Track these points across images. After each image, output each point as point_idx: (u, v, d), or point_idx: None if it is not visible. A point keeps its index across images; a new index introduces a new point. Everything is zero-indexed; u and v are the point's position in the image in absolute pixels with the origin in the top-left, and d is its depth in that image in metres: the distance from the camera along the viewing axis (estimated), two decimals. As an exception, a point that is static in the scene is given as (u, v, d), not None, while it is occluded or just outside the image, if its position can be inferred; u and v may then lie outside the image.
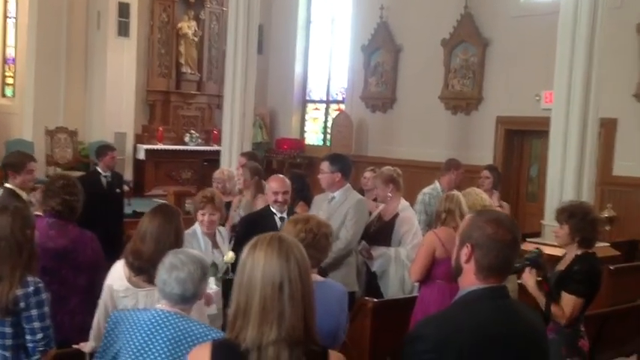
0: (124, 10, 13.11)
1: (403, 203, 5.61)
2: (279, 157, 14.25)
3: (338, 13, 14.31)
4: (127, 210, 9.41)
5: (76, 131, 13.17)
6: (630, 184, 9.32)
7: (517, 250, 2.26)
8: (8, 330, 3.02)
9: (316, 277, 2.98)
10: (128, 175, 12.92)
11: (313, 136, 15.01)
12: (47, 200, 3.99)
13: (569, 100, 7.05)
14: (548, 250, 5.87)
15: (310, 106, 15.10)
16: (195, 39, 14.25)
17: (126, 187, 9.88)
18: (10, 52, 14.82)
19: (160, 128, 13.85)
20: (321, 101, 14.92)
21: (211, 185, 6.79)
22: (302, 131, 15.04)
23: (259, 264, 2.00)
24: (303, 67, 14.88)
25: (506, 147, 11.07)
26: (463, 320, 2.11)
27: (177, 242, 3.28)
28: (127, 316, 2.73)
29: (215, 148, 13.09)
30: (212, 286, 3.97)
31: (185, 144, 14.14)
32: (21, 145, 11.09)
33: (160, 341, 2.59)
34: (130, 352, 2.63)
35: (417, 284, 4.92)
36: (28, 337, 3.03)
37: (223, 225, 5.32)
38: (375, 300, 4.96)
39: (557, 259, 4.20)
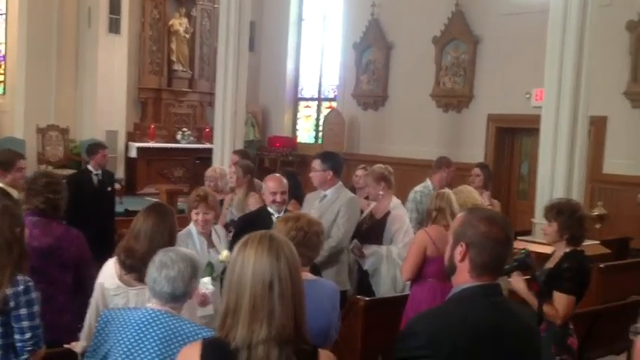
0: (115, 7, 13.06)
1: (395, 201, 5.62)
2: (271, 155, 14.24)
3: (329, 11, 14.30)
4: (119, 208, 9.40)
5: (68, 129, 13.12)
6: (620, 182, 9.37)
7: (510, 248, 2.27)
8: (-2, 329, 3.01)
9: (307, 276, 2.98)
10: (120, 173, 12.89)
11: (305, 133, 15.01)
12: (30, 199, 3.95)
13: (559, 98, 7.07)
14: (538, 248, 5.91)
15: (302, 104, 15.09)
16: (187, 36, 14.21)
17: (117, 185, 9.86)
18: (1, 49, 14.73)
19: (152, 126, 13.81)
20: (312, 99, 14.91)
21: (203, 183, 6.78)
22: (294, 129, 15.03)
23: (249, 262, 2.00)
24: (294, 64, 14.87)
25: (497, 145, 11.11)
26: (456, 316, 2.12)
27: (170, 241, 3.28)
28: (117, 315, 2.72)
29: (207, 146, 13.06)
30: (209, 286, 3.94)
31: (177, 142, 14.11)
32: (12, 143, 11.02)
33: (151, 340, 2.59)
34: (121, 352, 2.62)
35: (408, 283, 4.93)
36: (16, 336, 3.01)
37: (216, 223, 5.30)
38: (367, 298, 4.97)
39: (547, 257, 4.22)
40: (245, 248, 2.04)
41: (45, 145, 12.84)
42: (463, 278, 2.20)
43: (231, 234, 5.11)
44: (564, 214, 3.93)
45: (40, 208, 3.93)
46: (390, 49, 12.64)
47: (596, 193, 9.54)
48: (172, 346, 2.55)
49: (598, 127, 9.41)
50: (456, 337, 2.05)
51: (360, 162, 8.32)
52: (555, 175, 7.11)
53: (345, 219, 5.20)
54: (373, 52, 12.87)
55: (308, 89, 14.95)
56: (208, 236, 4.55)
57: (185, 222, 4.63)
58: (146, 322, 2.63)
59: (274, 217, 4.86)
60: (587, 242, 5.09)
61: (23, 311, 3.00)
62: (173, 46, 14.10)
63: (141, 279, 3.11)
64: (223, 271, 4.41)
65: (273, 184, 5.03)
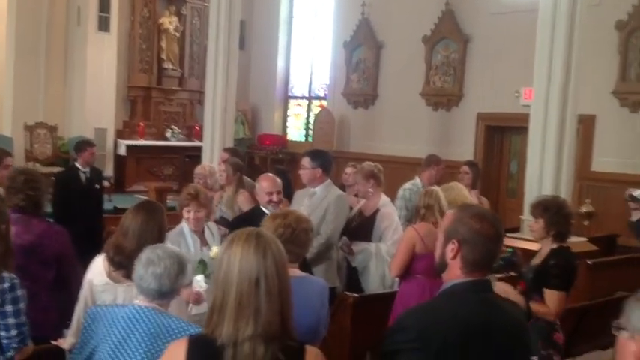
0: (104, 5, 12.98)
1: (384, 199, 5.64)
2: (261, 153, 14.22)
3: (320, 9, 14.30)
4: (108, 206, 9.35)
5: (56, 127, 13.04)
6: (608, 180, 9.42)
7: (500, 245, 2.29)
8: (-16, 326, 2.99)
9: (296, 272, 2.98)
10: (109, 171, 12.82)
11: (295, 132, 14.99)
12: (10, 197, 3.91)
13: (548, 97, 7.10)
14: (527, 245, 5.94)
15: (292, 102, 15.08)
16: (177, 34, 14.16)
17: (106, 183, 9.82)
18: (-11, 46, 14.64)
19: (141, 124, 13.75)
20: (303, 97, 14.90)
21: (193, 181, 6.76)
22: (284, 127, 15.02)
23: (236, 259, 2.00)
24: (285, 63, 14.85)
25: (487, 143, 11.14)
26: (447, 312, 2.12)
27: (159, 239, 3.28)
28: (104, 312, 2.72)
29: (197, 144, 13.01)
30: (202, 284, 3.92)
31: (166, 140, 14.05)
32: (0, 141, 10.97)
33: (138, 336, 2.59)
34: (108, 348, 2.62)
35: (397, 279, 4.95)
36: (2, 333, 3.00)
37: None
38: (356, 295, 4.98)
39: (535, 254, 4.25)
40: (232, 245, 2.04)
41: (33, 143, 12.76)
42: (454, 274, 2.21)
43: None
44: (550, 211, 3.96)
45: (20, 205, 3.90)
46: (380, 48, 12.66)
47: (584, 190, 9.59)
48: (159, 342, 2.55)
49: (586, 125, 9.47)
50: (446, 332, 2.06)
51: (350, 160, 8.35)
52: (544, 173, 7.14)
53: (334, 216, 5.20)
54: (363, 51, 12.88)
55: (298, 87, 14.94)
56: (201, 234, 4.51)
57: (175, 219, 4.61)
58: (133, 319, 2.62)
59: (269, 217, 4.85)
60: (575, 239, 5.13)
61: (9, 308, 2.98)
62: (163, 44, 14.04)
63: (129, 276, 3.10)
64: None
65: (268, 184, 4.98)
